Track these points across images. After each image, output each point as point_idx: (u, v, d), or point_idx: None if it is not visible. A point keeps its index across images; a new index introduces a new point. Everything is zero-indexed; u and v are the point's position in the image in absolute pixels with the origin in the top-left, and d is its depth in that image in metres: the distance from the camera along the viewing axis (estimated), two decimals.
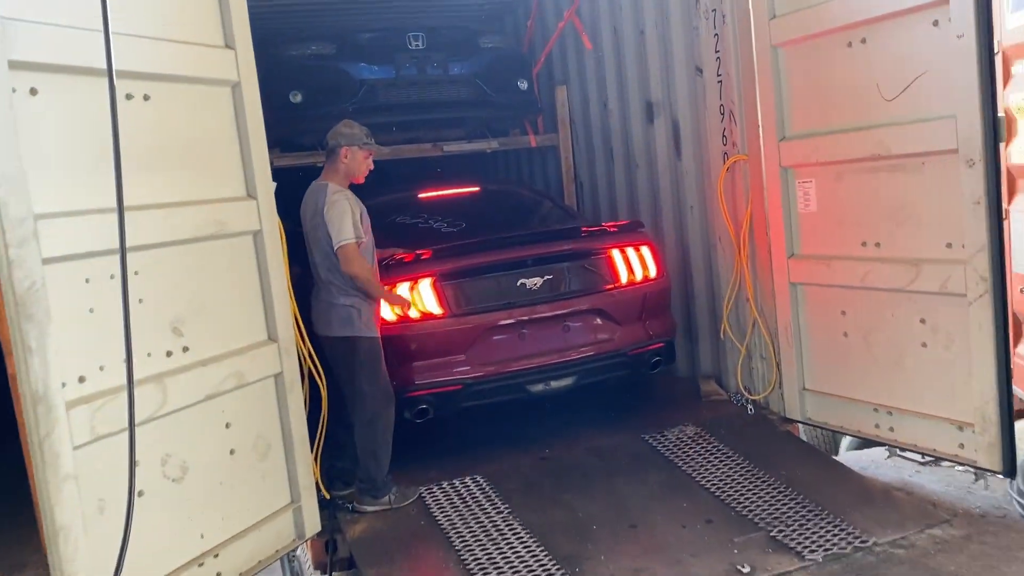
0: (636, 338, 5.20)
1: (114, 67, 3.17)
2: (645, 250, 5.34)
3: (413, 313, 4.82)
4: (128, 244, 3.21)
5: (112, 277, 3.23)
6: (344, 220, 4.31)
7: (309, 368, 4.31)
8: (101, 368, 3.17)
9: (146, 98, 3.41)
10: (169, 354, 3.46)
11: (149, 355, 3.37)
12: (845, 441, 5.80)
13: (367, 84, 6.05)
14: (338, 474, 4.70)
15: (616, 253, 5.25)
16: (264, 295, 3.94)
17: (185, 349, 3.52)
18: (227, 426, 3.70)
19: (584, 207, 7.22)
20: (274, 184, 4.17)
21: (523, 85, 6.63)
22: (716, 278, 5.65)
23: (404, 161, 6.69)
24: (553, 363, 5.01)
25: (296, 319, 4.23)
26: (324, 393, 4.38)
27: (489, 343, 4.94)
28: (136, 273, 3.32)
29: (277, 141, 6.42)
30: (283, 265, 4.04)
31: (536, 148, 7.47)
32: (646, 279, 5.29)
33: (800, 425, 5.13)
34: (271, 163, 6.28)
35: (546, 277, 5.03)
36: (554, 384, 5.04)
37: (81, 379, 3.09)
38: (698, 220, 5.78)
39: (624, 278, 5.24)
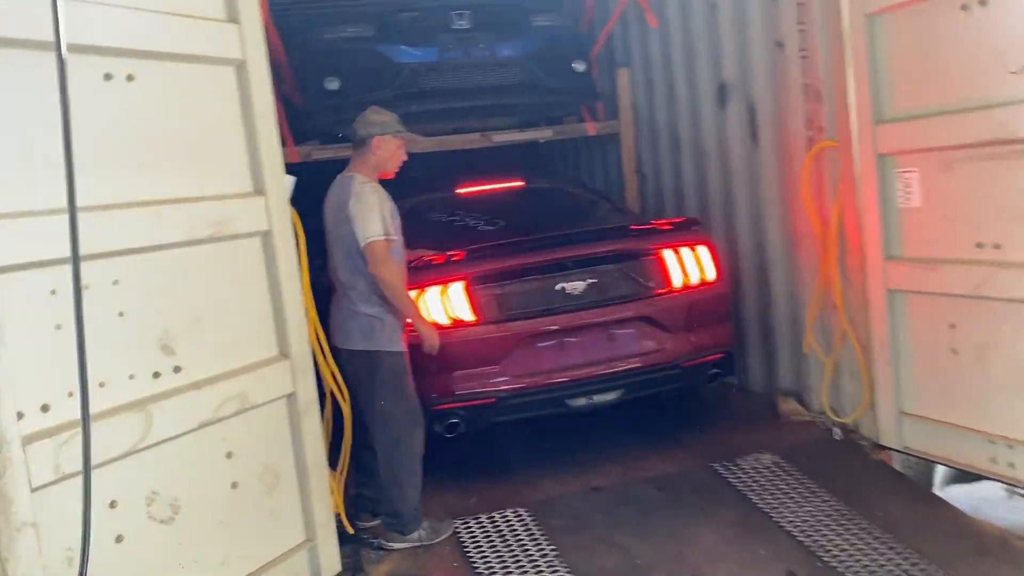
0: (690, 348, 4.67)
1: (90, 42, 2.79)
2: (702, 250, 4.77)
3: (443, 319, 4.36)
4: (107, 248, 2.83)
5: (87, 288, 2.77)
6: (372, 215, 3.82)
7: (331, 388, 3.82)
8: (70, 395, 2.70)
9: (129, 78, 2.94)
10: (156, 375, 2.98)
11: (132, 377, 2.90)
12: (941, 471, 5.09)
13: (407, 68, 5.54)
14: (365, 504, 4.20)
15: (668, 254, 4.71)
16: (275, 304, 3.45)
17: (176, 369, 3.05)
18: (228, 456, 3.22)
19: (647, 202, 6.59)
20: (292, 178, 3.69)
21: (580, 67, 6.03)
22: (798, 282, 4.98)
23: (438, 153, 6.16)
24: (596, 375, 4.52)
25: (317, 331, 3.75)
26: (347, 413, 3.89)
27: (526, 353, 4.47)
28: (116, 283, 2.87)
29: (315, 132, 6.01)
30: (298, 270, 3.55)
31: (594, 137, 6.87)
32: (702, 283, 4.74)
33: (895, 453, 4.44)
34: (309, 156, 5.98)
35: (589, 281, 4.54)
36: (597, 399, 4.55)
37: (44, 408, 2.64)
38: (778, 216, 5.10)
39: (677, 281, 4.70)
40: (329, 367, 3.80)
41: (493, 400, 4.42)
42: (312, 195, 4.09)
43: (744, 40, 5.18)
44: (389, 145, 3.99)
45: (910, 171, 4.06)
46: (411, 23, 5.65)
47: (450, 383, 4.42)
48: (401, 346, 3.92)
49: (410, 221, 5.22)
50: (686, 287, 4.71)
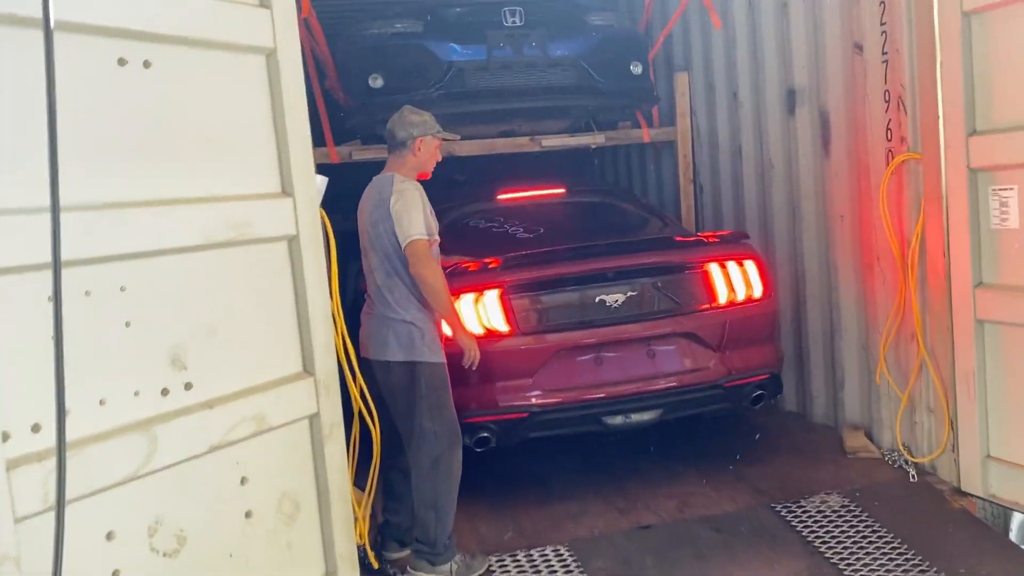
0: (733, 368, 4.38)
1: (101, 22, 2.52)
2: (749, 265, 4.48)
3: (477, 329, 4.11)
4: (112, 251, 2.55)
5: (88, 294, 2.51)
6: (415, 213, 3.58)
7: (359, 408, 3.51)
8: (67, 412, 2.42)
9: (146, 65, 2.66)
10: (165, 392, 2.70)
11: (136, 394, 2.62)
12: (1018, 518, 4.66)
13: (455, 67, 5.23)
14: (393, 532, 3.88)
15: (714, 268, 4.44)
16: (300, 316, 3.15)
17: (188, 386, 2.76)
18: (242, 482, 2.93)
19: (704, 215, 6.20)
20: (323, 179, 3.40)
21: (637, 70, 5.66)
22: (870, 306, 4.57)
23: (482, 156, 5.87)
24: (634, 393, 4.26)
25: (345, 343, 3.45)
26: (376, 436, 3.58)
27: (561, 367, 4.23)
28: (122, 289, 2.59)
29: (357, 131, 5.74)
30: (327, 279, 3.25)
31: (649, 144, 6.50)
32: (749, 299, 4.46)
33: (978, 501, 4.00)
34: (350, 156, 5.72)
35: (629, 293, 4.29)
36: (635, 417, 4.28)
37: (35, 428, 2.36)
38: (849, 233, 4.69)
39: (723, 297, 4.43)
40: (358, 385, 3.49)
41: (526, 415, 4.19)
42: (353, 196, 3.87)
43: (818, 42, 4.78)
44: (429, 146, 3.78)
45: (1007, 188, 3.64)
46: (460, 19, 5.35)
47: (482, 395, 4.18)
48: (442, 356, 3.65)
49: (445, 225, 4.98)
50: (731, 303, 4.45)
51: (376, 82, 5.29)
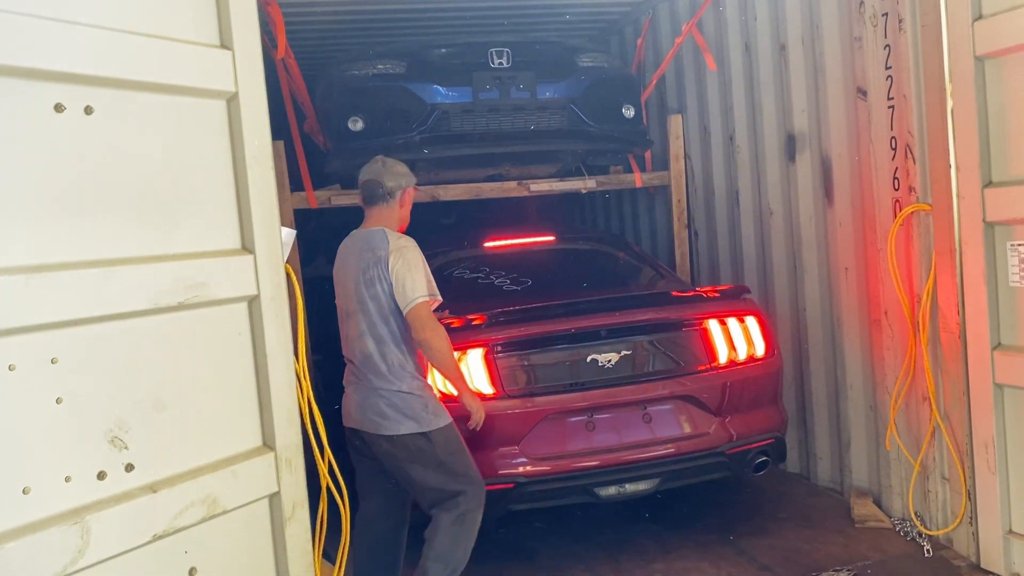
0: (736, 433, 4.10)
1: (35, 64, 2.26)
2: (751, 322, 4.24)
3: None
4: (41, 320, 2.27)
5: (11, 368, 2.22)
6: (418, 273, 3.38)
7: (327, 484, 3.21)
8: None
9: (87, 111, 2.41)
10: (102, 476, 2.41)
11: (68, 480, 2.33)
12: None
13: (439, 109, 4.99)
14: None
15: (714, 325, 4.19)
16: (260, 384, 2.87)
17: (128, 467, 2.47)
18: (191, 573, 2.63)
19: (699, 263, 5.95)
20: (291, 232, 3.14)
21: (629, 112, 5.44)
22: (878, 366, 4.30)
23: (470, 202, 5.64)
24: (629, 461, 3.96)
25: (311, 410, 3.15)
26: (346, 514, 3.27)
27: (549, 432, 3.95)
28: (53, 361, 2.31)
29: (336, 176, 5.50)
30: (290, 342, 2.96)
31: (642, 189, 6.27)
32: (751, 359, 4.21)
33: None
34: (329, 201, 5.46)
35: (623, 353, 4.04)
36: (630, 488, 3.99)
37: None
38: (854, 287, 4.44)
39: (723, 356, 4.16)
40: (326, 459, 3.18)
41: (512, 485, 3.88)
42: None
43: (819, 87, 4.57)
44: (411, 197, 3.63)
45: None
46: (445, 60, 5.12)
47: None
48: (448, 415, 3.46)
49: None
50: (732, 363, 4.19)
51: (356, 125, 5.05)
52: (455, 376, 3.49)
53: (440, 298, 3.47)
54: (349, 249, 3.56)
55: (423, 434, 3.37)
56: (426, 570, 3.35)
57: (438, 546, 3.37)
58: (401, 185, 3.55)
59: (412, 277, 3.35)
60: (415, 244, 3.48)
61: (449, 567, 3.37)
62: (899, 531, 4.12)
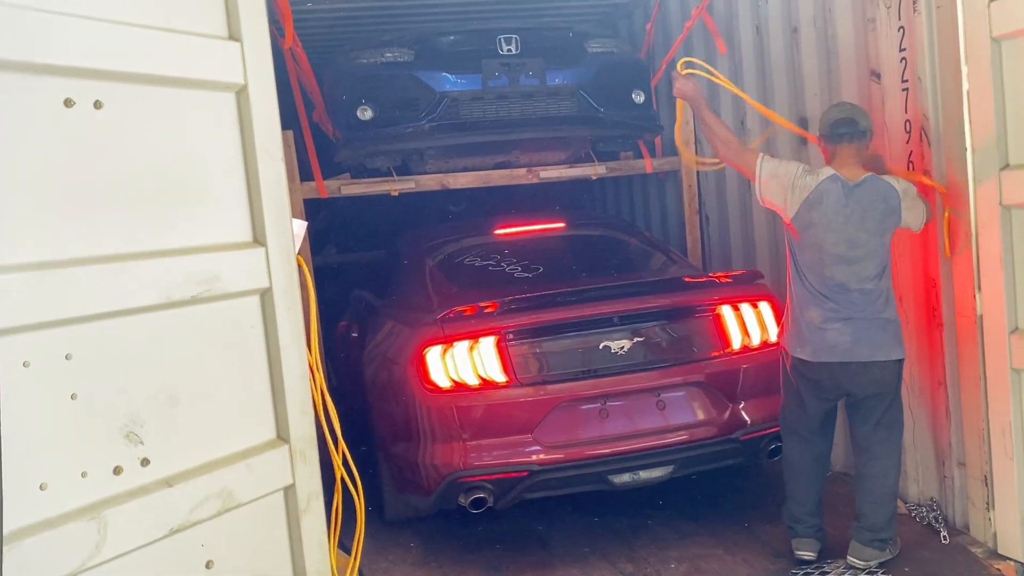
0: (750, 419, 4.09)
1: (44, 60, 2.25)
2: (764, 307, 4.23)
3: (472, 379, 3.88)
4: (54, 316, 2.26)
5: (26, 365, 2.22)
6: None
7: (341, 475, 3.20)
8: None
9: (97, 105, 2.39)
10: (118, 471, 2.41)
11: (84, 475, 2.33)
12: None
13: (448, 97, 4.97)
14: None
15: (727, 311, 4.17)
16: (273, 377, 2.87)
17: (144, 462, 2.47)
18: (208, 566, 2.63)
19: (711, 248, 5.92)
20: (303, 224, 3.13)
21: (639, 98, 5.41)
22: None
23: (478, 189, 5.63)
24: (643, 448, 3.96)
25: (325, 401, 3.15)
26: (360, 505, 3.26)
27: (563, 420, 3.93)
28: (67, 357, 2.31)
29: (346, 165, 5.49)
30: (303, 334, 2.95)
31: (652, 174, 6.23)
32: (764, 344, 4.19)
33: (1015, 564, 3.69)
34: (339, 191, 5.45)
35: (636, 339, 4.02)
36: (644, 475, 3.99)
37: None
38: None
39: (736, 342, 4.15)
40: (340, 451, 3.18)
41: (526, 473, 3.88)
42: None
43: (831, 70, 4.53)
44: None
45: None
46: (453, 47, 5.09)
47: (476, 451, 3.89)
48: None
49: (439, 263, 4.73)
50: (745, 349, 4.17)
51: (365, 114, 5.04)
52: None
53: None
54: (853, 196, 3.59)
55: (902, 359, 3.65)
56: (885, 508, 3.66)
57: (891, 485, 3.67)
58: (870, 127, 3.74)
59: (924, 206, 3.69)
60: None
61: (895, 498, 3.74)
62: (915, 517, 4.11)
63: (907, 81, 3.96)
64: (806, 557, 3.78)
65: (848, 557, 3.70)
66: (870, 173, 3.64)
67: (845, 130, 3.62)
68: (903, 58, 3.97)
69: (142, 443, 2.47)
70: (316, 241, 6.30)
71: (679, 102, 4.40)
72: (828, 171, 3.64)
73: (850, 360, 3.57)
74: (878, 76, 4.13)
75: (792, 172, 3.71)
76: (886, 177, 3.67)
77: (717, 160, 4.77)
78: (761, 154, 3.83)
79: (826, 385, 3.67)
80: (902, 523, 4.09)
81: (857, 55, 4.31)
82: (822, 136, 3.73)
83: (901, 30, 3.95)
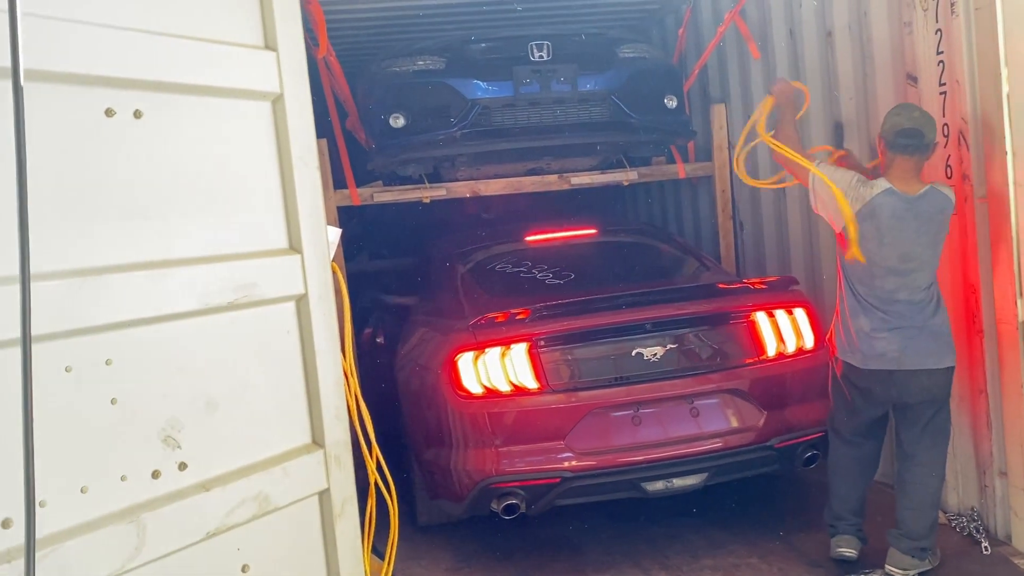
0: (785, 426, 4.07)
1: (86, 71, 2.30)
2: (800, 313, 4.19)
3: (504, 386, 3.89)
4: (95, 322, 2.29)
5: (68, 370, 2.26)
6: None
7: (375, 480, 3.22)
8: (41, 504, 2.17)
9: (136, 115, 2.43)
10: (156, 475, 2.44)
11: (123, 479, 2.36)
12: None
13: (479, 104, 5.00)
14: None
15: (761, 317, 4.13)
16: (308, 382, 2.88)
17: (182, 466, 2.50)
18: (243, 570, 2.66)
19: (745, 255, 5.88)
20: (337, 231, 3.16)
21: (671, 103, 5.40)
22: None
23: (510, 196, 5.65)
24: (676, 455, 3.94)
25: (359, 406, 3.17)
26: (394, 509, 3.28)
27: (595, 427, 3.93)
28: (108, 363, 2.34)
29: (379, 173, 5.54)
30: (338, 340, 2.98)
31: (685, 180, 6.21)
32: (800, 351, 4.16)
33: None
34: (371, 198, 5.49)
35: (669, 346, 4.01)
36: (677, 483, 3.97)
37: (6, 524, 2.10)
38: None
39: (771, 349, 4.12)
40: (374, 457, 3.19)
41: (558, 480, 3.89)
42: None
43: (867, 74, 4.48)
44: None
45: None
46: (484, 55, 5.12)
47: (508, 457, 3.91)
48: None
49: (470, 270, 4.75)
50: (780, 355, 4.14)
51: (397, 122, 5.08)
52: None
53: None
54: (904, 209, 3.52)
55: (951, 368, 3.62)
56: (926, 515, 3.62)
57: (935, 492, 3.66)
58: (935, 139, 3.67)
59: None
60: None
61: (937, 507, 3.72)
62: (955, 527, 4.04)
63: (945, 84, 3.91)
64: (847, 555, 3.75)
65: (887, 567, 3.65)
66: (931, 184, 3.55)
67: (908, 141, 3.48)
68: (941, 61, 3.92)
69: (179, 447, 2.49)
70: (349, 248, 6.36)
71: (756, 117, 4.20)
72: (883, 184, 3.52)
73: (898, 368, 3.54)
74: (915, 80, 4.08)
75: (846, 181, 3.60)
76: (941, 186, 3.59)
77: (775, 179, 4.70)
78: (816, 162, 3.78)
79: (876, 392, 3.64)
80: (942, 533, 4.01)
81: (893, 59, 4.27)
82: (883, 138, 3.59)
83: (939, 33, 3.91)
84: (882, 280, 3.55)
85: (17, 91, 1.82)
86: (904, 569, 3.61)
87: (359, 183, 5.39)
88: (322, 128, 5.35)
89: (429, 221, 6.33)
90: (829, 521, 3.86)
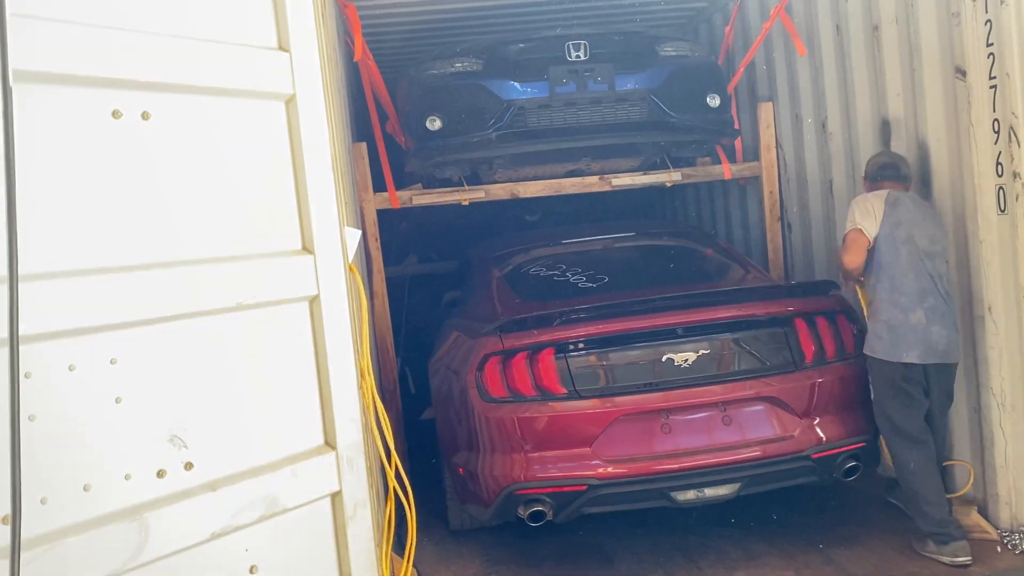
0: (823, 436, 3.90)
1: (92, 72, 2.33)
2: (839, 319, 4.05)
3: (530, 391, 3.84)
4: (100, 322, 2.32)
5: (72, 369, 2.29)
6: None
7: (393, 487, 3.20)
8: (42, 502, 2.20)
9: (144, 116, 2.46)
10: (161, 474, 2.45)
11: (128, 478, 2.38)
12: None
13: (515, 105, 4.95)
14: None
15: (798, 322, 3.98)
16: (321, 383, 2.88)
17: (188, 466, 2.51)
18: (251, 571, 2.66)
19: (792, 257, 5.70)
20: (357, 232, 3.16)
21: (714, 102, 5.26)
22: (980, 364, 4.00)
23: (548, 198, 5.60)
24: (707, 464, 3.80)
25: (376, 407, 3.15)
26: (412, 516, 3.25)
27: (623, 434, 3.82)
28: (112, 362, 2.37)
29: (417, 175, 5.54)
30: (351, 341, 2.97)
31: (731, 181, 6.05)
32: (839, 357, 4.00)
33: None
34: (410, 201, 5.49)
35: (701, 352, 3.89)
36: (709, 493, 3.85)
37: (4, 520, 2.13)
38: (955, 282, 4.13)
39: (809, 355, 3.96)
40: (392, 463, 3.17)
41: (584, 488, 3.80)
42: None
43: (914, 68, 4.28)
44: None
45: None
46: (520, 55, 5.08)
47: (535, 464, 3.83)
48: None
49: (505, 274, 4.71)
50: (819, 362, 3.97)
51: (434, 124, 5.06)
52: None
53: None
54: (912, 211, 3.92)
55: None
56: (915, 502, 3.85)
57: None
58: None
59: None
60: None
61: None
62: (1007, 544, 3.82)
63: (995, 78, 3.71)
64: (966, 562, 3.68)
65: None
66: None
67: (890, 172, 4.08)
68: (991, 53, 3.72)
69: (186, 447, 2.50)
70: (398, 251, 6.41)
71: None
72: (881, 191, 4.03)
73: (945, 361, 3.86)
74: (963, 73, 3.88)
75: (866, 205, 3.98)
76: None
77: None
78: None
79: (918, 379, 3.84)
80: (992, 549, 3.82)
81: (941, 52, 4.07)
82: (867, 178, 4.18)
83: (988, 24, 3.71)
84: (919, 265, 3.81)
85: (6, 92, 1.84)
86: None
87: (400, 186, 5.39)
88: (363, 131, 5.40)
89: (473, 223, 6.32)
90: (932, 530, 3.77)
